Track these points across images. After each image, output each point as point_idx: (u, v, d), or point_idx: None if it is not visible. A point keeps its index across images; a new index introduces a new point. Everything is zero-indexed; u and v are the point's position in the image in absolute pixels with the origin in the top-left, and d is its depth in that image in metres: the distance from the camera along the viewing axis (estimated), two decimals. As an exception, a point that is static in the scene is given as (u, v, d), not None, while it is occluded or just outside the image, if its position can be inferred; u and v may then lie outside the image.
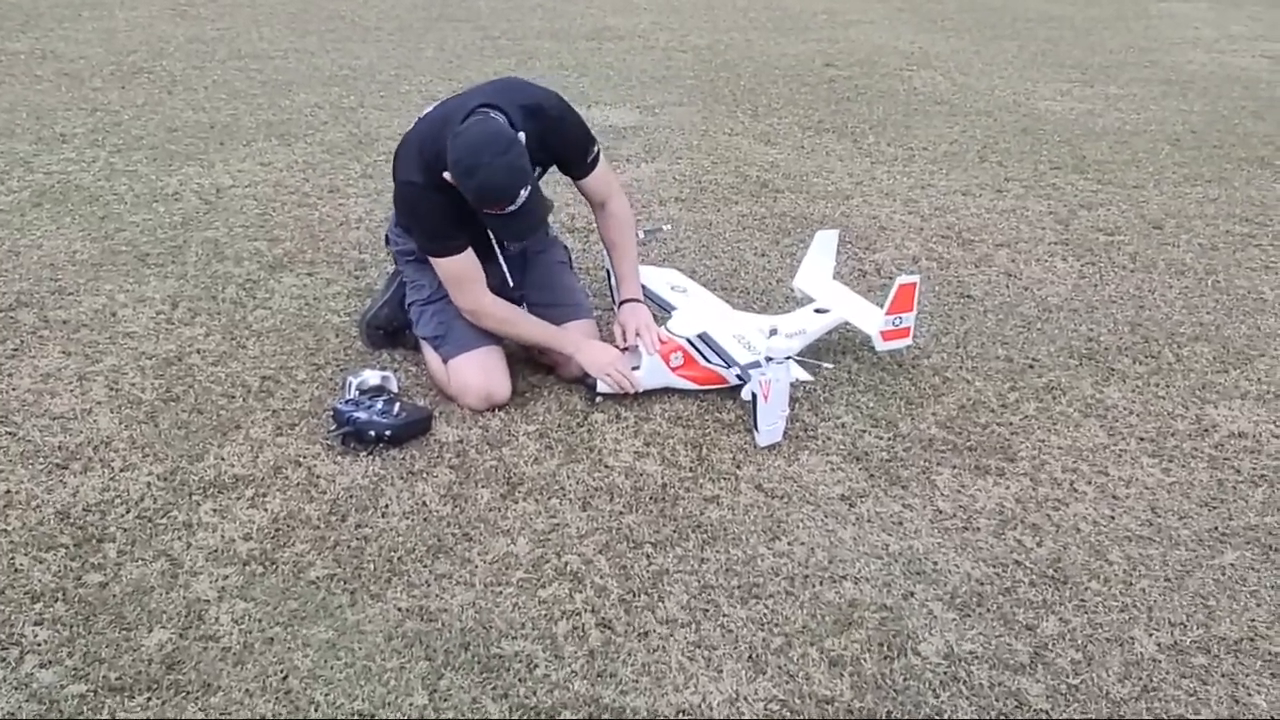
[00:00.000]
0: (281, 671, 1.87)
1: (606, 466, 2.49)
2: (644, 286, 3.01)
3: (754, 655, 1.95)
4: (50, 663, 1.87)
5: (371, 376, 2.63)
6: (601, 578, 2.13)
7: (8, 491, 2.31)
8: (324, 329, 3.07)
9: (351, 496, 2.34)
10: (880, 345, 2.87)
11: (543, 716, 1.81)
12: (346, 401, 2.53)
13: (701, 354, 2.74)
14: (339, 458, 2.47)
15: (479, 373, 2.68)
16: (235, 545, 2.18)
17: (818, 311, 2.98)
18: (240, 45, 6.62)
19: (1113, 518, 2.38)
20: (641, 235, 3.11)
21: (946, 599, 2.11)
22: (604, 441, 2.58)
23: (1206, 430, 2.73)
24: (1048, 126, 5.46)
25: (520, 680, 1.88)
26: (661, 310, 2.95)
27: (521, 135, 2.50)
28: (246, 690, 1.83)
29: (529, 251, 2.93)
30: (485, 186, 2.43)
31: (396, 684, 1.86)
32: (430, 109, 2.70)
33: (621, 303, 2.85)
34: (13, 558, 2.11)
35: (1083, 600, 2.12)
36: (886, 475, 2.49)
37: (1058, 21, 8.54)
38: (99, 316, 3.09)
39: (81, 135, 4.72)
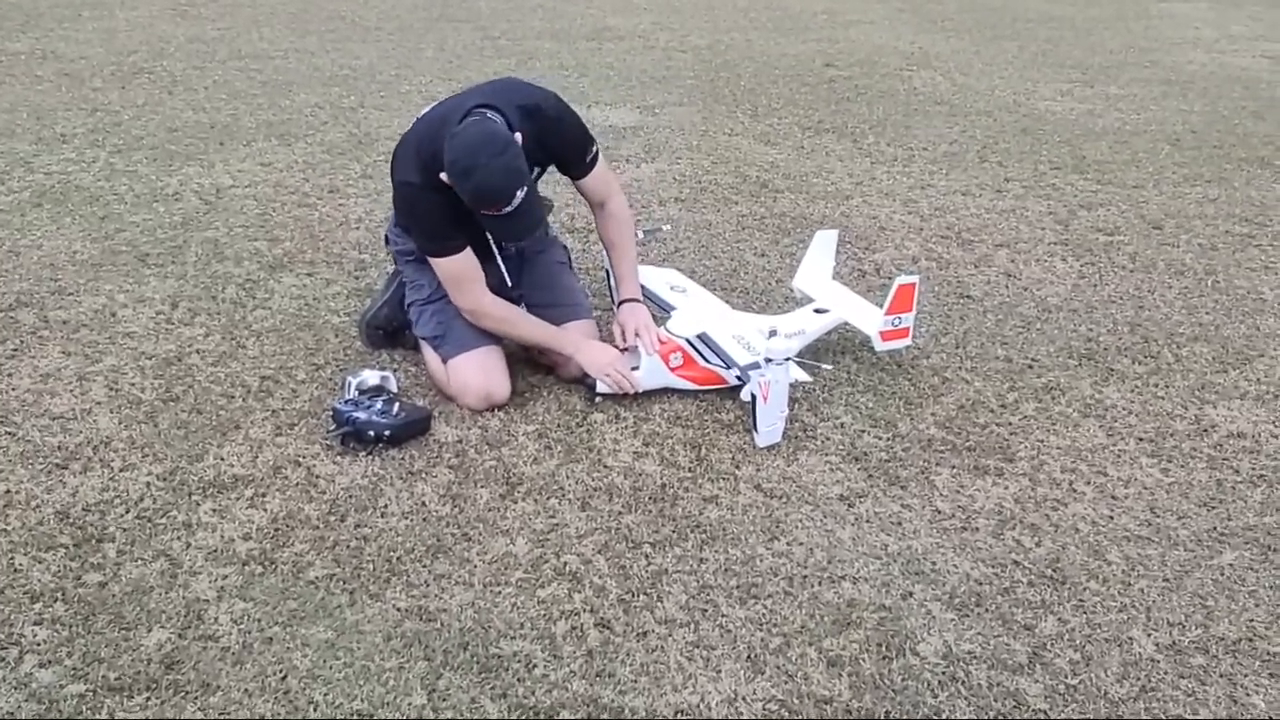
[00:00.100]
0: (280, 671, 1.87)
1: (605, 466, 2.49)
2: (643, 286, 3.01)
3: (752, 655, 1.95)
4: (49, 662, 1.87)
5: (371, 376, 2.63)
6: (600, 578, 2.13)
7: (7, 491, 2.31)
8: (323, 329, 3.07)
9: (351, 496, 2.35)
10: (879, 345, 2.87)
11: (541, 716, 1.81)
12: (346, 401, 2.53)
13: (701, 354, 2.75)
14: (338, 458, 2.47)
15: (478, 373, 2.68)
16: (234, 545, 2.18)
17: (817, 312, 2.98)
18: (240, 45, 6.62)
19: (1111, 518, 2.38)
20: (641, 235, 3.11)
21: (945, 599, 2.11)
22: (603, 441, 2.59)
23: (1205, 430, 2.73)
24: (1048, 127, 5.46)
25: (519, 680, 1.88)
26: (661, 310, 2.95)
27: (518, 136, 2.50)
28: (245, 690, 1.83)
29: (528, 252, 2.93)
30: (482, 187, 2.43)
31: (395, 684, 1.86)
32: (428, 109, 2.70)
33: (621, 303, 2.85)
34: (12, 557, 2.12)
35: (1081, 600, 2.12)
36: (885, 475, 2.49)
37: (1058, 22, 8.54)
38: (99, 316, 3.09)
39: (82, 135, 4.73)
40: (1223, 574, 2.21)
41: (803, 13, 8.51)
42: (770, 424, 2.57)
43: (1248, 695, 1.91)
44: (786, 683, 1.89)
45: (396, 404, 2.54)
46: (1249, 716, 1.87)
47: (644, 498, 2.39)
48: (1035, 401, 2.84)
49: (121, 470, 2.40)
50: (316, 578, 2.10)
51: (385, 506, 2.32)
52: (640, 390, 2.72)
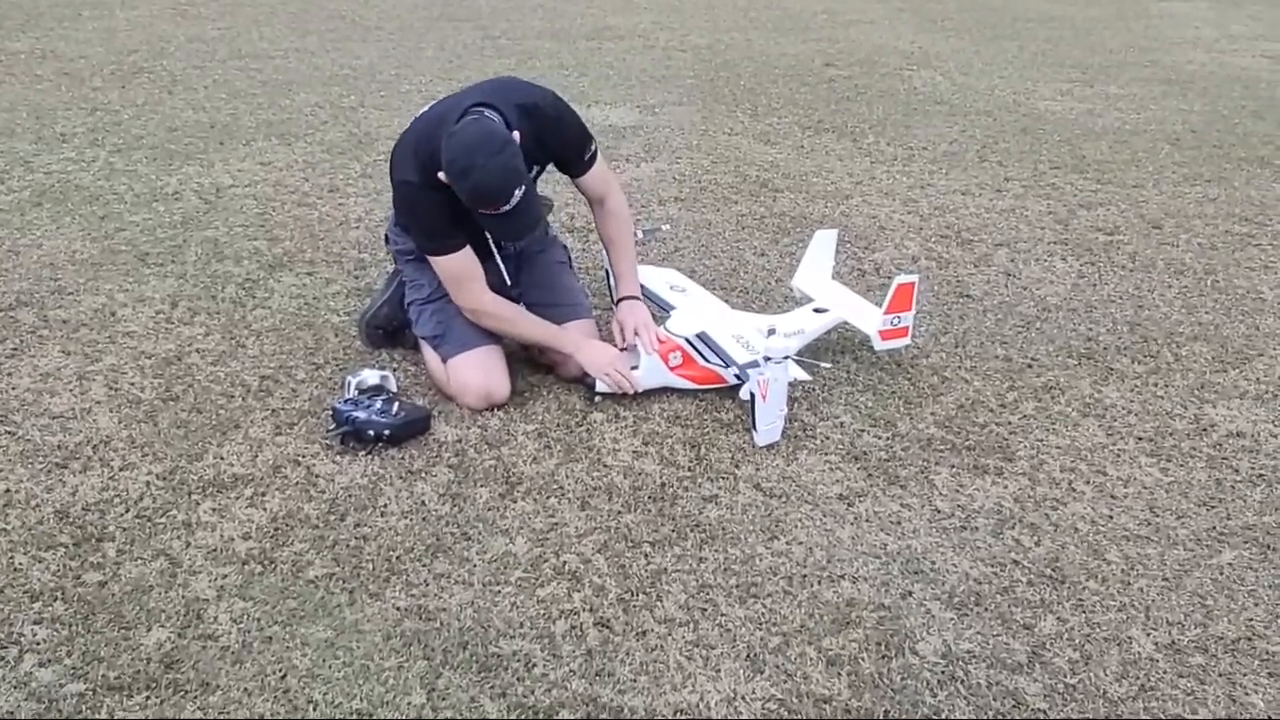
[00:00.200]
0: (280, 670, 1.87)
1: (605, 466, 2.49)
2: (643, 286, 3.01)
3: (752, 654, 1.95)
4: (49, 661, 1.87)
5: (370, 376, 2.63)
6: (600, 577, 2.14)
7: (7, 490, 2.31)
8: (323, 328, 3.08)
9: (350, 496, 2.35)
10: (879, 345, 2.87)
11: (541, 715, 1.81)
12: (345, 401, 2.53)
13: (700, 353, 2.75)
14: (338, 457, 2.47)
15: (478, 372, 2.68)
16: (234, 544, 2.18)
17: (816, 311, 2.98)
18: (240, 45, 6.62)
19: (1111, 517, 2.38)
20: (640, 235, 3.11)
21: (944, 598, 2.11)
22: (603, 441, 2.59)
23: (1205, 430, 2.73)
24: (1047, 126, 5.46)
25: (518, 679, 1.88)
26: (660, 310, 2.95)
27: (516, 134, 2.50)
28: (245, 689, 1.83)
29: (528, 251, 2.93)
30: (479, 187, 2.43)
31: (395, 683, 1.86)
32: (427, 108, 2.70)
33: (619, 300, 2.85)
34: (12, 557, 2.12)
35: (1080, 600, 2.12)
36: (885, 475, 2.50)
37: (1058, 21, 8.54)
38: (98, 316, 3.10)
39: (81, 135, 4.73)
40: (1222, 573, 2.21)
41: (803, 12, 8.51)
42: (769, 422, 2.57)
43: (1247, 695, 1.91)
44: (786, 682, 1.89)
45: (396, 403, 2.54)
46: (1248, 716, 1.87)
47: (643, 497, 2.39)
48: (1035, 401, 2.84)
49: (121, 469, 2.40)
50: (316, 577, 2.10)
51: (385, 506, 2.32)
52: (640, 390, 2.72)
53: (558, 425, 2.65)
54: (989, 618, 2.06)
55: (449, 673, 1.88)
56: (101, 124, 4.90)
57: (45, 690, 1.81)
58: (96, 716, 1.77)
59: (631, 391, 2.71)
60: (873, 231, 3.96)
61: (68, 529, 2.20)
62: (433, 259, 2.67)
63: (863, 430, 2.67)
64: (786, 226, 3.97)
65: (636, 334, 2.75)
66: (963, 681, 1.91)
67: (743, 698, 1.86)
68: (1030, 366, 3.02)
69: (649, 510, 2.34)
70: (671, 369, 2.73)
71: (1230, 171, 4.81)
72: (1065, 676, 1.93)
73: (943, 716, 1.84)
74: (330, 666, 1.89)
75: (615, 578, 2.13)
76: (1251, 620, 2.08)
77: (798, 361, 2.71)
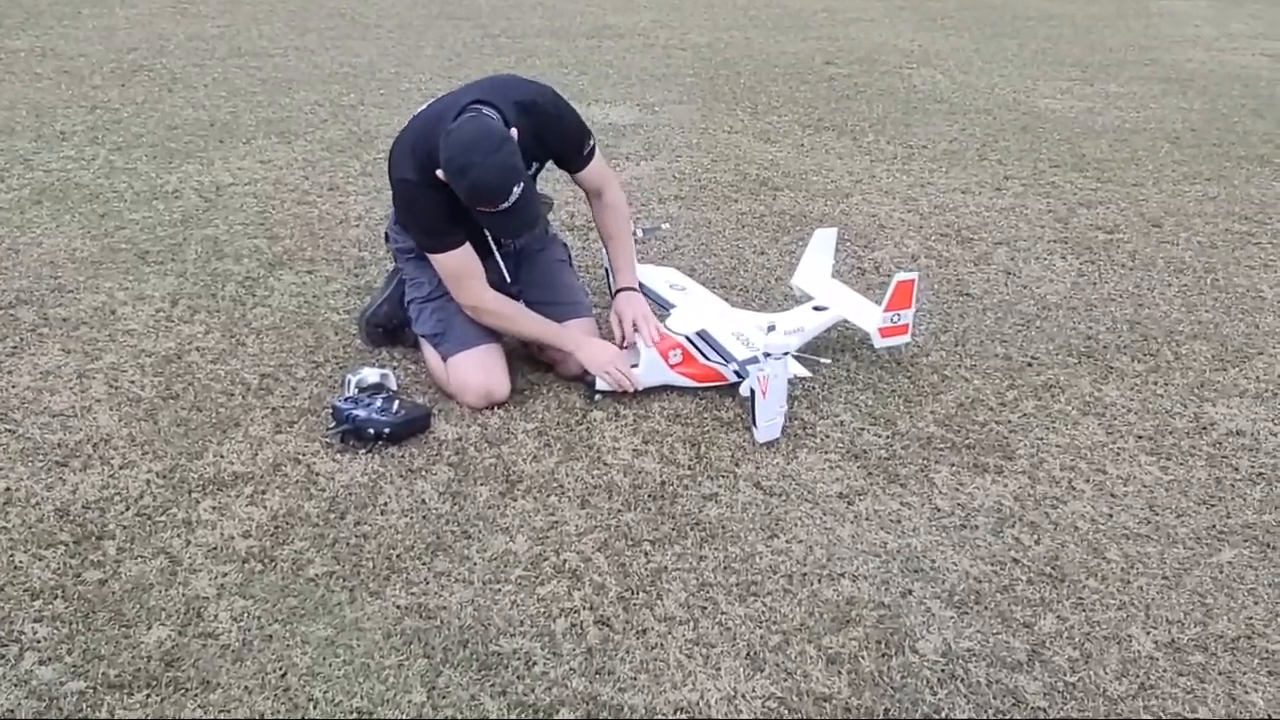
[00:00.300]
0: (280, 669, 1.87)
1: (605, 464, 2.49)
2: (643, 285, 3.01)
3: (752, 653, 1.95)
4: (49, 659, 1.87)
5: (371, 374, 2.63)
6: (600, 575, 2.14)
7: (7, 489, 2.31)
8: (323, 327, 3.08)
9: (350, 494, 2.35)
10: (879, 342, 2.87)
11: (541, 714, 1.81)
12: (346, 399, 2.53)
13: (700, 351, 2.75)
14: (338, 455, 2.47)
15: (478, 370, 2.68)
16: (234, 543, 2.18)
17: (816, 309, 2.98)
18: (240, 43, 6.62)
19: (1111, 516, 2.38)
20: (640, 234, 3.11)
21: (944, 597, 2.11)
22: (603, 439, 2.59)
23: (1205, 428, 2.73)
24: (1047, 124, 5.46)
25: (518, 678, 1.88)
26: (661, 308, 2.95)
27: (514, 132, 2.50)
28: (245, 687, 1.83)
29: (528, 250, 2.93)
30: (477, 185, 2.43)
31: (395, 681, 1.86)
32: (425, 106, 2.70)
33: (617, 291, 2.85)
34: (12, 555, 2.12)
35: (1080, 598, 2.12)
36: (885, 473, 2.50)
37: (1058, 19, 8.54)
38: (99, 314, 3.09)
39: (81, 133, 4.73)
40: (1221, 572, 2.21)
41: (802, 10, 8.51)
42: (769, 419, 2.57)
43: (1246, 693, 1.91)
44: (786, 680, 1.90)
45: (396, 402, 2.54)
46: (1248, 715, 1.87)
47: (643, 495, 2.39)
48: (1034, 399, 2.84)
49: (121, 468, 2.40)
50: (316, 575, 2.10)
51: (385, 504, 2.32)
52: (640, 388, 2.72)
53: (558, 423, 2.65)
54: (989, 616, 2.06)
55: (449, 671, 1.88)
56: (101, 122, 4.90)
57: (45, 688, 1.81)
58: (97, 715, 1.77)
59: (631, 390, 2.71)
60: (872, 230, 3.96)
61: (68, 527, 2.20)
62: (432, 256, 2.67)
63: (863, 428, 2.67)
64: (786, 225, 3.97)
65: (636, 327, 2.75)
66: (963, 680, 1.91)
67: (743, 696, 1.86)
68: (1030, 365, 3.02)
69: (649, 508, 2.34)
70: (671, 367, 2.73)
71: (1230, 170, 4.81)
72: (1065, 675, 1.93)
73: (943, 715, 1.84)
74: (330, 665, 1.89)
75: (615, 576, 2.14)
76: (1251, 619, 2.08)
77: (798, 358, 2.71)
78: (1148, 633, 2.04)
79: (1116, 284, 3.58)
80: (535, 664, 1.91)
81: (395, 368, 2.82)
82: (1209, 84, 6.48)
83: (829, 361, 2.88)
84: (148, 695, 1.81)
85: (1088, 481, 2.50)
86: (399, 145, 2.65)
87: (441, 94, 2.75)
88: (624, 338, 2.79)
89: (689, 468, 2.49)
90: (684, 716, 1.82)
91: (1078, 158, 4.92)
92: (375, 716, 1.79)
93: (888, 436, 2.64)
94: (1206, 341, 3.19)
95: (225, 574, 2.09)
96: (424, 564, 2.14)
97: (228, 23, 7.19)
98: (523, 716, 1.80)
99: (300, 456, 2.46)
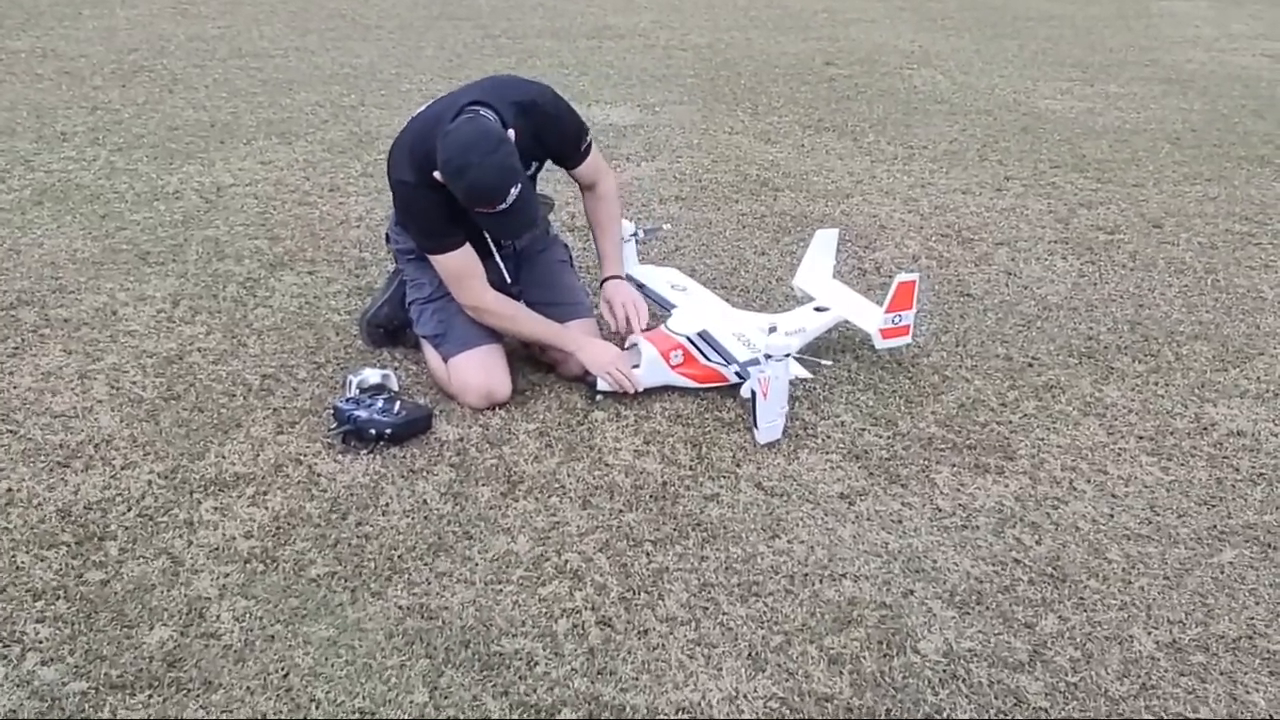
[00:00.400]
0: (282, 669, 1.87)
1: (606, 465, 2.49)
2: (644, 285, 3.02)
3: (754, 653, 1.95)
4: (52, 660, 1.87)
5: (372, 375, 2.63)
6: (601, 576, 2.14)
7: (9, 489, 2.32)
8: (324, 327, 3.08)
9: (352, 494, 2.35)
10: (880, 343, 2.87)
11: (543, 714, 1.81)
12: (347, 400, 2.53)
13: (702, 352, 2.75)
14: (339, 456, 2.47)
15: (479, 371, 2.68)
16: (236, 543, 2.18)
17: (817, 310, 2.98)
18: (241, 44, 6.62)
19: (1112, 516, 2.38)
20: (642, 234, 3.11)
21: (946, 597, 2.11)
22: (604, 440, 2.59)
23: (1205, 429, 2.73)
24: (1048, 125, 5.47)
25: (520, 678, 1.88)
26: (662, 309, 2.95)
27: (511, 132, 2.50)
28: (247, 688, 1.83)
29: (530, 250, 2.93)
30: (475, 186, 2.43)
31: (397, 681, 1.86)
32: (423, 108, 2.70)
33: (605, 280, 2.85)
34: (14, 555, 2.12)
35: (1081, 598, 2.12)
36: (886, 473, 2.50)
37: (1058, 20, 8.54)
38: (100, 315, 3.10)
39: (82, 133, 4.73)
40: (1223, 572, 2.21)
41: (803, 11, 8.52)
42: (770, 420, 2.57)
43: (1248, 693, 1.91)
44: (787, 680, 1.90)
45: (397, 402, 2.54)
46: (1249, 715, 1.87)
47: (645, 496, 2.39)
48: (1035, 400, 2.84)
49: (123, 468, 2.40)
50: (318, 576, 2.10)
51: (386, 505, 2.32)
52: (641, 389, 2.72)
53: (559, 424, 2.65)
54: (990, 616, 2.07)
55: (451, 671, 1.88)
56: (102, 123, 4.90)
57: (48, 689, 1.81)
58: (99, 715, 1.77)
59: (632, 390, 2.71)
60: (873, 230, 3.96)
61: (70, 528, 2.20)
62: (432, 258, 2.67)
63: (864, 429, 2.67)
64: (787, 225, 3.97)
65: (627, 317, 2.76)
66: (964, 680, 1.91)
67: (745, 696, 1.86)
68: (1031, 365, 3.02)
69: (650, 509, 2.35)
70: (673, 368, 2.74)
71: (1230, 170, 4.82)
72: (1066, 675, 1.93)
73: (944, 715, 1.84)
74: (332, 665, 1.89)
75: (617, 576, 2.14)
76: (1252, 619, 2.08)
77: (799, 359, 2.72)
78: (1149, 633, 2.04)
79: (1117, 284, 3.58)
80: (537, 664, 1.91)
81: (396, 368, 2.82)
82: (1209, 85, 6.48)
83: (830, 362, 2.88)
84: (150, 696, 1.81)
85: (1089, 482, 2.50)
86: (398, 147, 2.66)
87: (440, 95, 2.75)
88: (616, 327, 2.80)
89: (690, 468, 2.49)
90: (686, 717, 1.82)
91: (1078, 158, 4.92)
92: (377, 717, 1.79)
93: (889, 437, 2.64)
94: (1207, 342, 3.19)
95: (227, 574, 2.09)
96: (426, 564, 2.14)
97: (228, 23, 7.20)
98: (525, 717, 1.80)
99: (302, 457, 2.47)
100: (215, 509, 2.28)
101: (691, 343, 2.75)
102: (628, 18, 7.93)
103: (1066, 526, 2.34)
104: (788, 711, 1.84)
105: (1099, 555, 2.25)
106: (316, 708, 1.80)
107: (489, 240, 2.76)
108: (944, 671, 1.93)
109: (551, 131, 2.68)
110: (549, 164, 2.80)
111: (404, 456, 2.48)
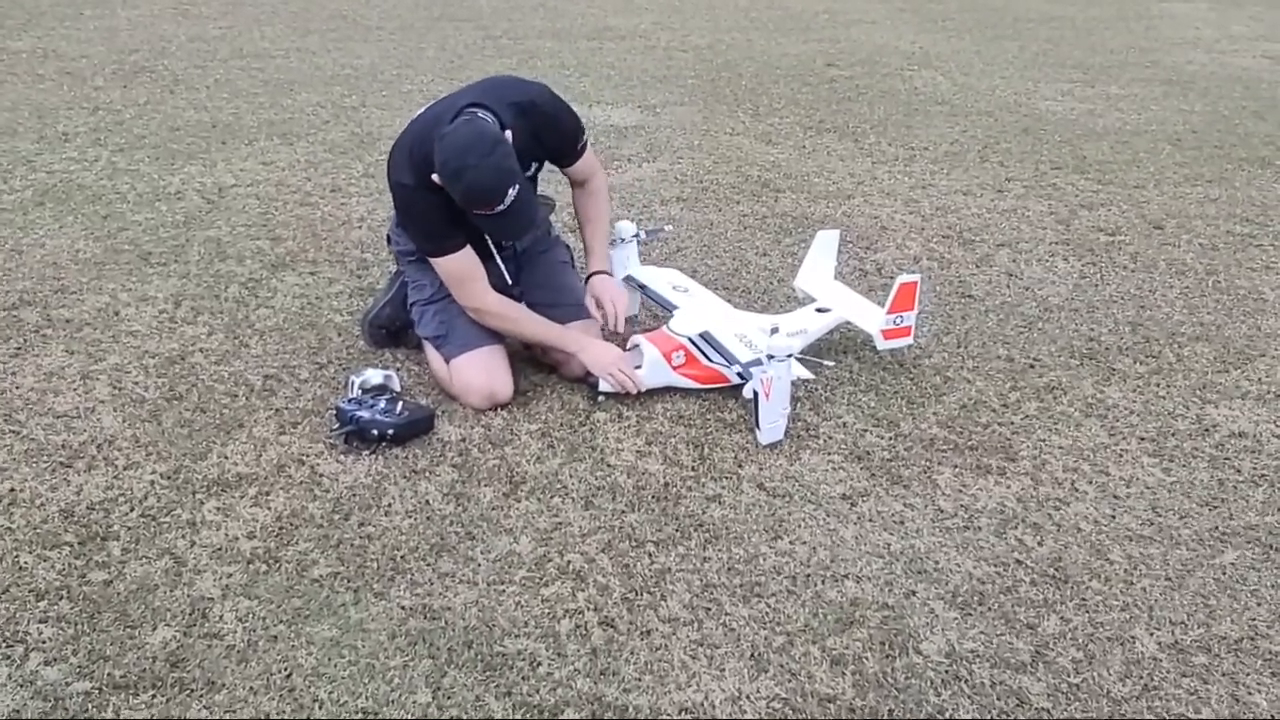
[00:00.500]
0: (285, 669, 1.88)
1: (609, 465, 2.50)
2: (645, 286, 3.02)
3: (756, 654, 1.95)
4: (55, 660, 1.87)
5: (374, 375, 2.63)
6: (604, 576, 2.14)
7: (12, 490, 2.32)
8: (326, 328, 3.08)
9: (354, 495, 2.35)
10: (881, 344, 2.88)
11: (546, 715, 1.81)
12: (349, 400, 2.53)
13: (703, 353, 2.75)
14: (342, 456, 2.47)
15: (481, 372, 2.69)
16: (239, 543, 2.18)
17: (819, 311, 2.98)
18: (242, 44, 6.63)
19: (1114, 517, 2.38)
20: (644, 235, 3.12)
21: (948, 598, 2.11)
22: (606, 440, 2.59)
23: (1207, 430, 2.73)
24: (1049, 126, 5.47)
25: (523, 678, 1.88)
26: (664, 310, 2.95)
27: (509, 134, 2.50)
28: (250, 688, 1.83)
29: (531, 251, 2.93)
30: (472, 188, 2.43)
31: (400, 682, 1.86)
32: (422, 110, 2.71)
33: (592, 275, 2.86)
34: (17, 556, 2.12)
35: (1084, 599, 2.12)
36: (888, 474, 2.50)
37: (1059, 22, 8.55)
38: (102, 315, 3.10)
39: (84, 134, 4.73)
40: (1224, 573, 2.21)
41: (804, 12, 8.52)
42: (772, 421, 2.57)
43: (1250, 694, 1.91)
44: (790, 681, 1.90)
45: (400, 403, 2.54)
46: (1251, 716, 1.87)
47: (647, 497, 2.39)
48: (1037, 401, 2.84)
49: (125, 469, 2.40)
50: (321, 576, 2.10)
51: (389, 505, 2.32)
52: (643, 389, 2.72)
53: (561, 425, 2.65)
54: (992, 617, 2.07)
55: (454, 672, 1.89)
56: (104, 123, 4.90)
57: (51, 689, 1.82)
58: (102, 715, 1.77)
59: (634, 391, 2.71)
60: (874, 232, 3.97)
61: (73, 528, 2.20)
62: (433, 260, 2.67)
63: (865, 430, 2.67)
64: (788, 226, 3.97)
65: (605, 308, 2.80)
66: (966, 681, 1.91)
67: (747, 697, 1.86)
68: (1032, 367, 3.02)
69: (652, 510, 2.35)
70: (674, 368, 2.74)
71: (1231, 172, 4.82)
72: (1069, 676, 1.93)
73: (947, 716, 1.85)
74: (335, 665, 1.89)
75: (619, 577, 2.14)
76: (1254, 620, 2.08)
77: (801, 360, 2.72)
78: (1151, 634, 2.04)
79: (1118, 286, 3.58)
80: (540, 665, 1.91)
81: (398, 369, 2.82)
82: (1210, 86, 6.49)
83: (832, 363, 2.89)
84: (153, 696, 1.81)
85: (1090, 483, 2.50)
86: (397, 149, 2.66)
87: (441, 97, 2.75)
88: (605, 322, 2.83)
89: (692, 469, 2.49)
90: (689, 717, 1.82)
91: (1079, 160, 4.92)
92: (380, 717, 1.79)
93: (890, 438, 2.64)
94: (1208, 343, 3.19)
95: (230, 575, 2.10)
96: (428, 565, 2.15)
97: (229, 24, 7.20)
98: (528, 717, 1.80)
99: (304, 457, 2.47)
100: (218, 509, 2.28)
101: (693, 343, 2.75)
102: (628, 19, 7.94)
103: (1068, 527, 2.34)
104: (790, 712, 1.84)
105: (1101, 556, 2.25)
106: (320, 708, 1.80)
107: (489, 242, 2.77)
108: (946, 672, 1.93)
109: (550, 131, 2.68)
110: (547, 165, 2.80)
111: (406, 457, 2.48)
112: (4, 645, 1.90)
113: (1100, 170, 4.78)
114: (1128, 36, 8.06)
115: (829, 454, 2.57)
